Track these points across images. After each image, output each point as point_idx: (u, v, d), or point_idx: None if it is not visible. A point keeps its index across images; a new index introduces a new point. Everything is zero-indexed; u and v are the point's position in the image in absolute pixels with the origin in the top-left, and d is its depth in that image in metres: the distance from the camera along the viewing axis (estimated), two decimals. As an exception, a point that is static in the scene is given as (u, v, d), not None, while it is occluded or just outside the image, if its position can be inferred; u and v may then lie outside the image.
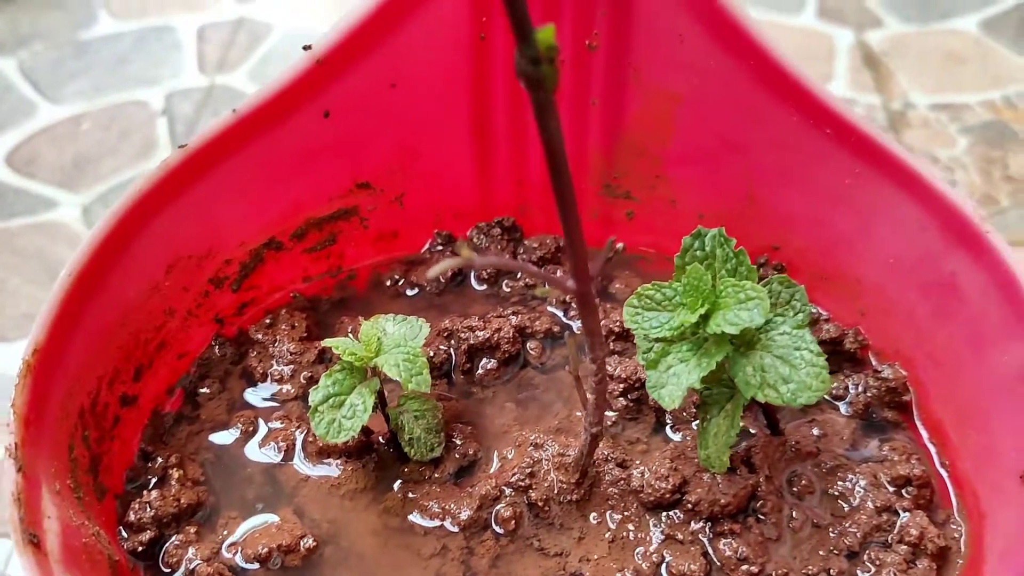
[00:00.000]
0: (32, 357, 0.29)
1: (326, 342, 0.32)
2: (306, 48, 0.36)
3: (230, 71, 0.75)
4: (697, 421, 0.33)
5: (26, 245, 0.65)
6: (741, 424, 0.32)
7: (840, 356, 0.38)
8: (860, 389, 0.36)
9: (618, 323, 0.38)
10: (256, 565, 0.31)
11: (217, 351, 0.37)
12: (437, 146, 0.41)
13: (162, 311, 0.36)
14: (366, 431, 0.34)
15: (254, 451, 0.35)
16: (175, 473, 0.33)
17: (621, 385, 0.36)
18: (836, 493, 0.34)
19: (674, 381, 0.30)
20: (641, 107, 0.40)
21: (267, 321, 0.39)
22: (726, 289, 0.29)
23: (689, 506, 0.32)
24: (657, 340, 0.30)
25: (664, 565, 0.32)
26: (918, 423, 0.37)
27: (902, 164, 0.35)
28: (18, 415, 0.28)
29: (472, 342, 0.37)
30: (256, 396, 0.37)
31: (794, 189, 0.39)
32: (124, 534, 0.32)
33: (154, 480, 0.33)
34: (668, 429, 0.35)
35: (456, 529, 0.33)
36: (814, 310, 0.40)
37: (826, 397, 0.37)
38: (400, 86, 0.38)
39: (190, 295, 0.37)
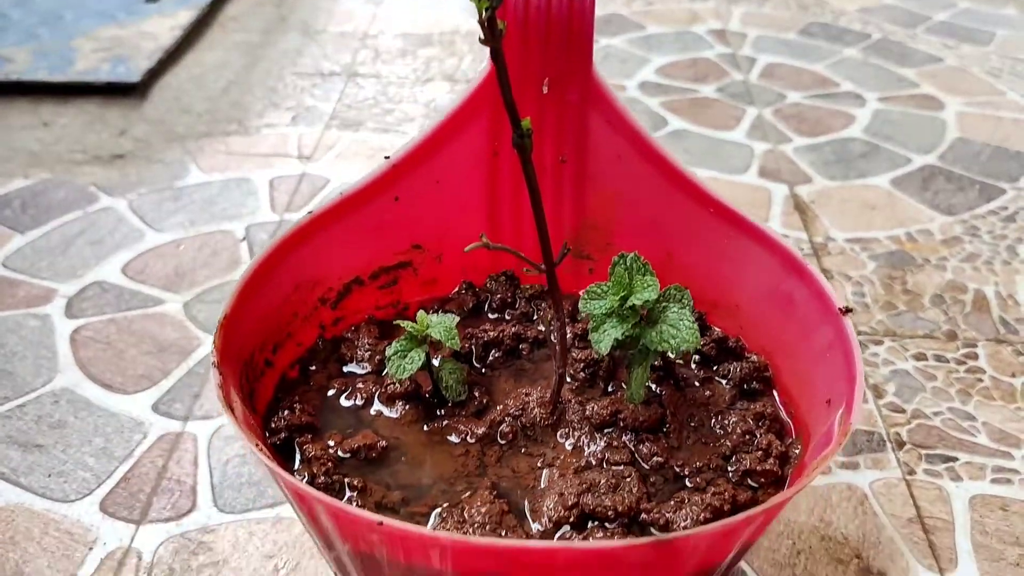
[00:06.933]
0: (222, 319, 0.47)
1: (398, 321, 0.51)
2: (387, 158, 0.58)
3: (295, 211, 0.95)
4: (625, 387, 0.52)
5: (140, 329, 0.82)
6: (650, 377, 0.51)
7: (726, 352, 0.55)
8: (737, 370, 0.55)
9: (581, 328, 0.57)
10: (349, 455, 0.49)
11: (320, 345, 0.56)
12: (464, 223, 0.60)
13: (290, 314, 0.54)
14: (417, 385, 0.53)
15: (344, 402, 0.53)
16: (297, 407, 0.51)
17: (582, 364, 0.54)
18: (718, 425, 0.51)
19: (606, 337, 0.49)
20: (595, 199, 0.60)
21: (352, 329, 0.58)
22: (636, 282, 0.49)
23: (621, 424, 0.50)
24: (598, 315, 0.50)
25: (604, 460, 0.49)
26: (775, 391, 0.54)
27: (755, 228, 0.55)
28: (216, 346, 0.47)
29: (484, 340, 0.56)
30: (345, 371, 0.55)
31: (694, 249, 0.58)
32: (268, 435, 0.50)
33: (285, 411, 0.51)
34: (609, 388, 0.53)
35: (474, 441, 0.50)
36: (715, 330, 0.59)
37: (716, 378, 0.56)
38: (442, 183, 0.58)
39: (306, 307, 0.55)
